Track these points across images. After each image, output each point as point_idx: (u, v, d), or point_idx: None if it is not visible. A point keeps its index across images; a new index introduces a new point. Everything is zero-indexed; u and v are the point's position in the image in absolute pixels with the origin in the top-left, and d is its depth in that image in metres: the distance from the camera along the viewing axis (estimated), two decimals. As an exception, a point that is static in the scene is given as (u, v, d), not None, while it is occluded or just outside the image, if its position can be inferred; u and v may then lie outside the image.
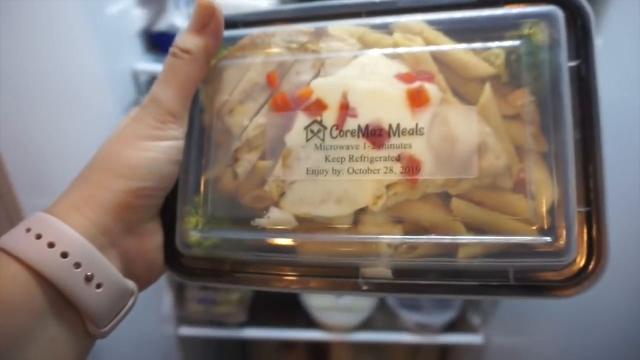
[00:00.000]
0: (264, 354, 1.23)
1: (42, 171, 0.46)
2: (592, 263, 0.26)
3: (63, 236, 0.26)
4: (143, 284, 0.30)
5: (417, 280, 0.28)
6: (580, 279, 0.26)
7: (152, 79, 0.79)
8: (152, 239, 0.30)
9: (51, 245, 0.26)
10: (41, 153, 0.47)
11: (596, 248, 0.26)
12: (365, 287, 0.29)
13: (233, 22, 0.33)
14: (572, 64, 0.28)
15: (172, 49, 0.29)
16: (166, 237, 0.31)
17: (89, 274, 0.26)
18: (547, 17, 0.28)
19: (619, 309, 0.61)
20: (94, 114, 0.58)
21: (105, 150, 0.29)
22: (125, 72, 0.73)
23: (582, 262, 0.27)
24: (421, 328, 0.97)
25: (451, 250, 0.28)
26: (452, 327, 1.01)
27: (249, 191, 0.30)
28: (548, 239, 0.26)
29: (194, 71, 0.29)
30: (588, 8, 0.28)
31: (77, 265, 0.26)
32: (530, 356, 0.83)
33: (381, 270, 0.29)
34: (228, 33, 0.32)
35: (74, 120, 0.53)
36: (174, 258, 0.31)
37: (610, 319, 0.64)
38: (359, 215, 0.29)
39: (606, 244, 0.26)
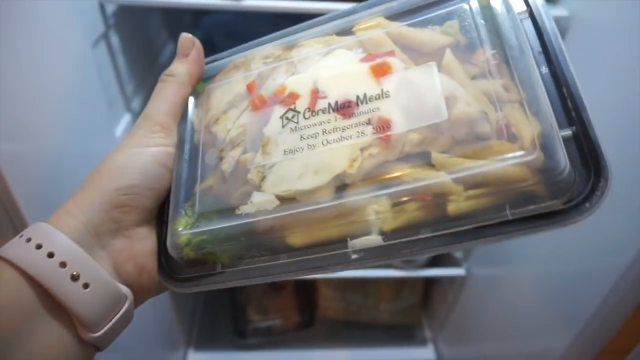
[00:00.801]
0: (253, 296, 1.23)
1: (5, 111, 0.42)
2: (591, 181, 0.24)
3: (50, 238, 0.27)
4: (138, 292, 0.30)
5: (409, 237, 0.26)
6: (582, 199, 0.23)
7: (120, 10, 0.72)
8: (143, 243, 0.31)
9: (39, 246, 0.27)
10: (2, 91, 0.42)
11: (592, 165, 0.24)
12: (355, 256, 0.27)
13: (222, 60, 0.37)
14: (521, 11, 0.29)
15: (160, 77, 0.34)
16: (160, 248, 0.31)
17: (74, 273, 0.27)
18: None
19: (596, 236, 0.61)
20: (58, 48, 0.53)
21: (101, 162, 0.32)
22: (91, 3, 0.65)
23: (582, 184, 0.24)
24: (406, 263, 1.02)
25: (441, 200, 0.26)
26: (435, 261, 1.07)
27: (237, 189, 0.31)
28: (532, 155, 0.24)
29: (179, 89, 0.34)
30: None
31: (63, 264, 0.27)
32: (510, 286, 0.87)
33: (371, 238, 0.27)
34: (214, 65, 0.37)
35: (37, 55, 0.48)
36: (167, 268, 0.31)
37: (588, 246, 0.64)
38: (339, 187, 0.28)
39: (602, 158, 0.24)
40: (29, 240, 0.27)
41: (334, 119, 0.29)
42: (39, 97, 0.49)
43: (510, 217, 0.24)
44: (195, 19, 0.96)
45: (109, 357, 0.48)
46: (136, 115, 0.76)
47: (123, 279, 0.30)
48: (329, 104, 0.30)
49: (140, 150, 0.32)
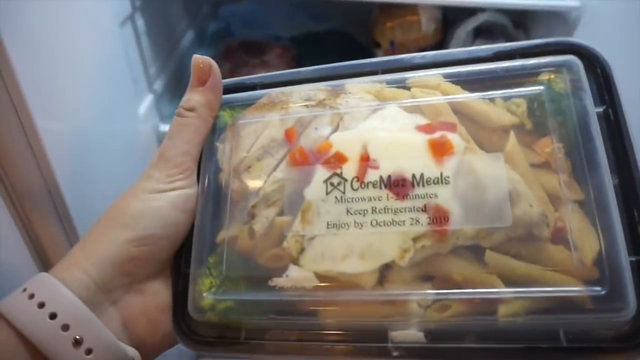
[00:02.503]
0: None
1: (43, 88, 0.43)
2: None
3: (54, 296, 0.25)
4: (148, 351, 0.28)
5: (453, 344, 0.25)
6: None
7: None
8: (156, 298, 0.28)
9: (41, 305, 0.24)
10: (40, 67, 0.43)
11: None
12: (395, 354, 0.26)
13: (251, 85, 0.33)
14: (598, 109, 0.28)
15: (177, 110, 0.31)
16: (176, 302, 0.29)
17: (77, 337, 0.24)
18: (565, 65, 0.28)
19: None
20: (90, 26, 0.54)
21: (112, 206, 0.29)
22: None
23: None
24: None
25: (490, 307, 0.25)
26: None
27: (267, 250, 0.29)
28: (599, 289, 0.23)
29: (200, 126, 0.31)
30: (604, 55, 0.28)
31: (65, 327, 0.24)
32: None
33: (412, 333, 0.26)
34: (246, 94, 0.33)
35: (70, 32, 0.49)
36: (185, 325, 0.29)
37: None
38: (384, 273, 0.27)
39: None
40: (31, 296, 0.25)
41: (385, 197, 0.27)
42: (71, 73, 0.48)
43: (565, 344, 0.24)
44: (214, 8, 0.99)
45: None
46: (158, 96, 0.79)
47: (134, 337, 0.28)
48: (381, 178, 0.28)
49: (157, 196, 0.28)
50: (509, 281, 0.26)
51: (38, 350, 0.24)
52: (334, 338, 0.27)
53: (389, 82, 0.31)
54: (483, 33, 0.83)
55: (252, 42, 0.84)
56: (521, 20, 0.87)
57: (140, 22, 0.74)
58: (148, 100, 0.76)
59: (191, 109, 0.31)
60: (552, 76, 0.28)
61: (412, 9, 0.81)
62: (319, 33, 0.91)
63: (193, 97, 0.31)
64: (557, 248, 0.26)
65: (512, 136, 0.28)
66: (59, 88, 0.45)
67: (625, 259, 0.24)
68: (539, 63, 0.29)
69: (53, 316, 0.24)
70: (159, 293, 0.29)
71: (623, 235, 0.24)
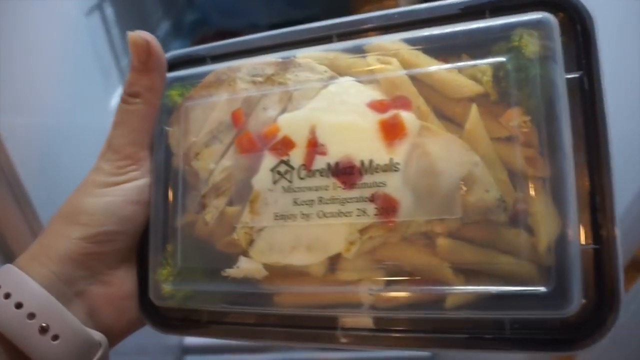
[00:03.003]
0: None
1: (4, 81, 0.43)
2: (601, 313, 0.22)
3: (20, 287, 0.26)
4: (116, 335, 0.29)
5: (401, 333, 0.25)
6: (587, 331, 0.22)
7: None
8: (122, 287, 0.29)
9: (7, 296, 0.25)
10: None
11: (605, 295, 0.22)
12: (344, 340, 0.26)
13: (200, 57, 0.31)
14: (573, 76, 0.24)
15: (122, 96, 0.29)
16: (141, 285, 0.30)
17: (44, 324, 0.25)
18: (538, 25, 0.24)
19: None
20: (52, 15, 0.53)
21: (67, 202, 0.28)
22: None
23: (590, 310, 0.23)
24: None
25: (438, 298, 0.25)
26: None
27: (222, 237, 0.28)
28: (543, 288, 0.22)
29: (146, 112, 0.29)
30: (589, 10, 0.24)
31: (32, 315, 0.25)
32: None
33: (361, 320, 0.26)
34: (196, 70, 0.31)
35: (32, 22, 0.48)
36: (151, 307, 0.30)
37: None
38: (335, 261, 0.26)
39: (618, 290, 0.22)
40: None
41: (332, 187, 0.26)
42: (33, 65, 0.47)
43: (509, 335, 0.23)
44: None
45: None
46: None
47: (100, 324, 0.29)
48: (329, 165, 0.26)
49: (110, 190, 0.28)
50: (461, 268, 0.25)
51: (7, 340, 0.25)
52: (287, 323, 0.27)
53: (344, 50, 0.28)
54: None
55: (228, 32, 0.81)
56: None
57: (109, 11, 0.70)
58: (120, 93, 0.72)
59: (136, 95, 0.29)
60: (523, 39, 0.24)
61: None
62: (298, 20, 0.85)
63: (136, 80, 0.29)
64: (513, 232, 0.24)
65: (474, 110, 0.25)
66: (20, 80, 0.44)
67: (575, 248, 0.22)
68: (508, 23, 0.25)
69: (19, 306, 0.25)
70: (124, 282, 0.29)
71: (577, 221, 0.23)
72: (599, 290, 0.22)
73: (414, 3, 0.80)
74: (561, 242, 0.23)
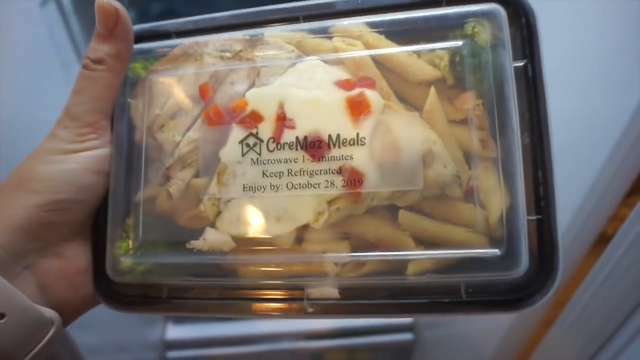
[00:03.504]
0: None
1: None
2: (543, 274, 0.25)
3: None
4: (69, 313, 0.28)
5: (365, 300, 0.27)
6: (532, 291, 0.25)
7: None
8: (76, 261, 0.28)
9: None
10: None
11: (547, 259, 0.25)
12: (310, 309, 0.27)
13: (165, 32, 0.31)
14: (518, 64, 0.27)
15: (83, 61, 0.28)
16: (96, 261, 0.29)
17: None
18: (489, 16, 0.27)
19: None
20: (4, 7, 0.51)
21: (18, 169, 0.27)
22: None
23: (533, 273, 0.25)
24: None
25: (400, 266, 0.26)
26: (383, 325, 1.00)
27: (186, 211, 0.28)
28: (497, 251, 0.25)
29: (110, 80, 0.28)
30: (532, 4, 0.27)
31: None
32: (460, 350, 0.82)
33: (327, 290, 0.27)
34: (160, 43, 0.30)
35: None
36: (105, 284, 0.29)
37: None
38: (301, 232, 0.27)
39: (557, 254, 0.25)
40: None
41: (301, 159, 0.27)
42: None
43: (465, 298, 0.25)
44: None
45: (82, 335, 0.51)
46: None
47: (53, 300, 0.27)
48: (297, 139, 0.27)
49: (68, 157, 0.27)
50: (421, 239, 0.26)
51: None
52: (252, 296, 0.28)
53: (310, 31, 0.29)
54: None
55: None
56: None
57: (66, 1, 0.66)
58: None
59: (99, 61, 0.28)
60: (475, 28, 0.27)
61: None
62: None
63: (100, 47, 0.28)
64: (467, 206, 0.26)
65: (433, 92, 0.27)
66: None
67: (523, 221, 0.25)
68: (461, 12, 0.27)
69: None
70: (78, 255, 0.28)
71: (524, 195, 0.25)
72: (541, 256, 0.25)
73: None
74: (510, 213, 0.25)
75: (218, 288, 0.28)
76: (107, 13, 0.28)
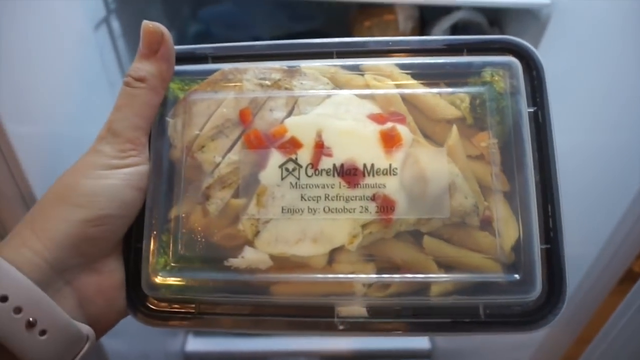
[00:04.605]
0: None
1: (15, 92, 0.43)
2: (554, 297, 0.28)
3: (5, 278, 0.24)
4: (103, 327, 0.28)
5: (391, 319, 0.29)
6: (544, 313, 0.28)
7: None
8: (112, 276, 0.28)
9: None
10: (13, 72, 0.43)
11: (557, 283, 0.28)
12: (341, 327, 0.29)
13: (203, 56, 0.32)
14: (530, 110, 0.30)
15: (125, 79, 0.29)
16: (128, 277, 0.29)
17: (31, 319, 0.24)
18: (506, 67, 0.30)
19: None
20: (62, 29, 0.54)
21: (60, 183, 0.27)
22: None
23: (544, 297, 0.28)
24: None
25: (423, 287, 0.29)
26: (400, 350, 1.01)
27: (221, 229, 0.29)
28: (515, 276, 0.28)
29: (151, 98, 0.29)
30: (541, 60, 0.31)
31: (18, 309, 0.24)
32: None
33: (356, 309, 0.29)
34: (198, 67, 0.32)
35: (42, 36, 0.48)
36: (138, 300, 0.29)
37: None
38: (333, 255, 0.29)
39: (564, 280, 0.28)
40: None
41: (338, 185, 0.29)
42: (44, 77, 0.48)
43: (483, 319, 0.28)
44: (194, 10, 0.95)
45: (111, 342, 0.56)
46: None
47: (89, 315, 0.28)
48: (334, 166, 0.29)
49: (110, 173, 0.27)
50: (442, 263, 0.29)
51: None
52: (284, 313, 0.29)
53: (343, 67, 0.31)
54: (459, 31, 0.84)
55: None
56: (496, 18, 0.89)
57: (115, 24, 0.71)
58: None
59: (141, 79, 0.29)
60: (495, 76, 0.30)
61: (390, 8, 0.82)
62: (299, 33, 0.90)
63: (143, 66, 0.29)
64: (483, 234, 0.29)
65: (455, 130, 0.30)
66: (31, 92, 0.44)
67: (537, 249, 0.28)
68: (484, 61, 0.31)
69: (4, 299, 0.23)
70: (114, 271, 0.29)
71: (537, 226, 0.28)
72: (551, 280, 0.28)
73: (411, 20, 0.86)
74: (525, 242, 0.28)
75: (250, 305, 0.29)
76: (152, 34, 0.29)
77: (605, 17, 0.58)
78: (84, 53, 0.59)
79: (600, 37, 0.58)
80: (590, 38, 0.61)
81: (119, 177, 0.28)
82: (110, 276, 0.28)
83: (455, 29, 0.85)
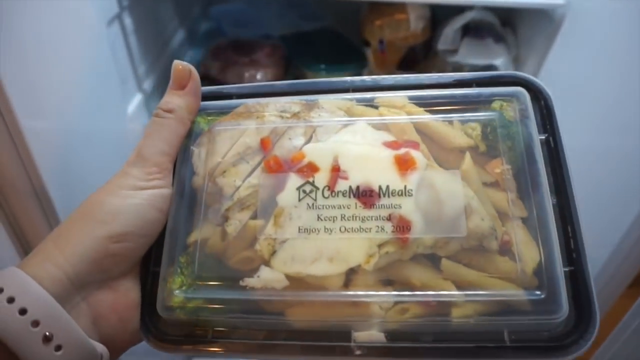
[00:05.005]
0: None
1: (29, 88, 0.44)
2: (583, 321, 0.27)
3: (25, 291, 0.24)
4: (117, 347, 0.28)
5: (411, 344, 0.27)
6: (574, 338, 0.26)
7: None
8: (128, 295, 0.29)
9: (11, 300, 0.24)
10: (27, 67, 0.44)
11: (585, 306, 0.27)
12: (358, 352, 0.27)
13: (228, 94, 0.35)
14: (541, 137, 0.31)
15: (155, 111, 0.32)
16: (144, 300, 0.29)
17: (47, 333, 0.24)
18: (515, 96, 0.32)
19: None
20: (75, 25, 0.55)
21: (88, 201, 0.29)
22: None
23: (572, 321, 0.27)
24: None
25: (444, 310, 0.28)
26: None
27: (238, 252, 0.30)
28: (539, 293, 0.27)
29: (178, 127, 0.31)
30: (547, 90, 0.32)
31: (36, 323, 0.24)
32: None
33: (374, 334, 0.28)
34: (223, 103, 0.34)
35: (56, 31, 0.49)
36: (152, 324, 0.29)
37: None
38: (350, 276, 0.29)
39: (593, 301, 0.27)
40: (1, 290, 0.24)
41: (354, 206, 0.29)
42: (57, 73, 0.49)
43: (509, 344, 0.27)
44: (205, 8, 0.99)
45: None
46: (147, 95, 0.80)
47: (103, 333, 0.27)
48: (350, 188, 0.30)
49: (135, 193, 0.29)
50: (461, 287, 0.28)
51: (6, 346, 0.23)
52: (299, 337, 0.28)
53: (358, 101, 0.33)
54: (471, 31, 0.83)
55: (242, 41, 0.85)
56: (508, 18, 0.88)
57: (128, 21, 0.74)
58: (137, 99, 0.77)
59: (170, 111, 0.31)
60: (504, 105, 0.32)
61: (401, 7, 0.81)
62: (309, 32, 0.92)
63: (172, 99, 0.32)
64: (503, 259, 0.29)
65: (468, 156, 0.31)
66: (44, 88, 0.46)
67: (560, 269, 0.27)
68: (493, 92, 0.32)
69: (23, 312, 0.24)
70: (130, 290, 0.29)
71: (559, 248, 0.28)
72: (578, 303, 0.27)
73: (422, 19, 0.86)
74: (546, 265, 0.27)
75: (265, 329, 0.29)
76: (181, 72, 0.32)
77: (620, 18, 0.57)
78: (97, 49, 0.60)
79: (615, 38, 0.56)
80: (605, 39, 0.59)
81: (143, 198, 0.29)
82: (125, 295, 0.28)
83: (466, 29, 0.83)
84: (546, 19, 0.73)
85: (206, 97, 0.34)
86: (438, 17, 0.88)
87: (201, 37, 0.96)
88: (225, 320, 0.29)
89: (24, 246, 0.44)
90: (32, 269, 0.26)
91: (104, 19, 0.66)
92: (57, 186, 0.44)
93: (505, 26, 0.87)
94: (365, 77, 0.34)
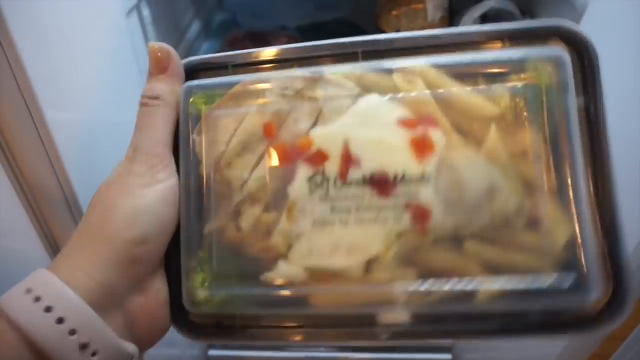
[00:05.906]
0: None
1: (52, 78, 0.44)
2: (615, 298, 0.26)
3: (61, 300, 0.25)
4: (145, 344, 0.30)
5: (436, 326, 0.28)
6: (605, 315, 0.26)
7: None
8: (158, 295, 0.29)
9: (48, 309, 0.25)
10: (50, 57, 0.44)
11: (618, 282, 0.26)
12: (385, 336, 0.28)
13: (223, 65, 0.32)
14: (579, 100, 0.28)
15: (141, 100, 0.30)
16: (171, 294, 0.30)
17: (84, 341, 0.25)
18: (553, 59, 0.27)
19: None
20: (97, 15, 0.55)
21: (101, 205, 0.28)
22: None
23: (604, 298, 0.26)
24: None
25: (468, 294, 0.28)
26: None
27: (256, 242, 0.29)
28: (570, 274, 0.26)
29: (168, 113, 0.30)
30: (596, 50, 0.28)
31: (73, 332, 0.25)
32: None
33: (399, 316, 0.28)
34: (218, 80, 0.31)
35: (77, 21, 0.49)
36: (181, 315, 0.30)
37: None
38: (371, 264, 0.28)
39: (628, 278, 0.26)
40: (37, 299, 0.25)
41: (368, 195, 0.28)
42: (79, 64, 0.49)
43: (536, 325, 0.27)
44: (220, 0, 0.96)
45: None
46: None
47: (134, 333, 0.29)
48: (364, 177, 0.28)
49: (148, 192, 0.28)
50: (486, 266, 0.28)
51: (44, 355, 0.24)
52: (325, 323, 0.29)
53: (370, 68, 0.30)
54: (490, 21, 0.80)
55: (258, 33, 0.84)
56: (528, 8, 0.83)
57: (146, 12, 0.72)
58: None
59: (156, 97, 0.30)
60: (539, 70, 0.28)
61: None
62: (326, 23, 0.90)
63: (156, 85, 0.30)
64: (531, 234, 0.27)
65: (493, 129, 0.28)
66: (67, 79, 0.45)
67: (593, 246, 0.26)
68: (526, 55, 0.28)
69: (61, 321, 0.25)
70: (160, 290, 0.30)
71: (592, 223, 0.26)
72: (611, 280, 0.26)
73: (440, 9, 0.82)
74: (579, 241, 0.26)
75: (291, 318, 0.30)
76: (160, 57, 0.30)
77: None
78: (116, 40, 0.59)
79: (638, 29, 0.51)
80: (629, 29, 0.55)
81: (156, 195, 0.28)
82: (156, 295, 0.29)
83: (485, 19, 0.81)
84: (568, 8, 0.67)
85: (197, 68, 0.32)
86: (456, 7, 0.83)
87: (216, 28, 0.93)
88: (251, 312, 0.30)
89: (48, 238, 0.45)
90: (66, 277, 0.26)
91: (124, 10, 0.64)
92: (79, 178, 0.44)
93: (525, 15, 0.81)
94: (376, 36, 0.30)
